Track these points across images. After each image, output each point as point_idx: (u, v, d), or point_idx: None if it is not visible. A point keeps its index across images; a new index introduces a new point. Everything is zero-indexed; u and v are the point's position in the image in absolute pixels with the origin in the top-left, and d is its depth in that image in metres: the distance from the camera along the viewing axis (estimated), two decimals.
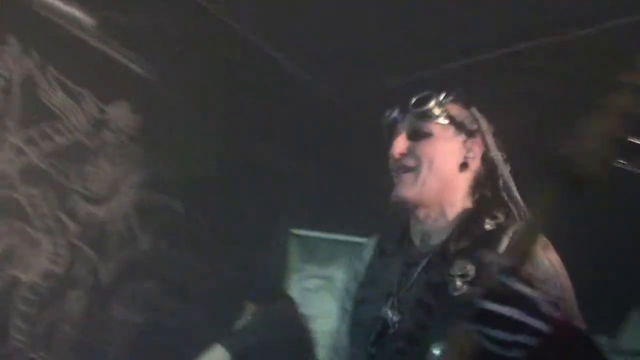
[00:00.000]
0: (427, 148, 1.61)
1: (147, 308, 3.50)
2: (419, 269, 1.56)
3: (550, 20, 2.77)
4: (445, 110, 1.64)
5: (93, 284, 3.40)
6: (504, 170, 1.64)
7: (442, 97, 1.63)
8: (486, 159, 1.65)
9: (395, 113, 1.71)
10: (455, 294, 1.42)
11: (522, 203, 1.59)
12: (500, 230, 1.51)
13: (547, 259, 1.44)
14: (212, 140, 3.71)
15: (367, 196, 3.05)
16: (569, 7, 2.65)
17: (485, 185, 1.65)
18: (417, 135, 1.63)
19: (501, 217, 1.56)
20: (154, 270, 3.54)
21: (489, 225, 1.54)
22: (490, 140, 1.65)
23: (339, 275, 3.50)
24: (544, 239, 1.43)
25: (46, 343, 3.23)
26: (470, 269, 1.42)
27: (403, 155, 1.62)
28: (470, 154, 1.63)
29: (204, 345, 2.82)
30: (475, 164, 1.64)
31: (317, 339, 3.14)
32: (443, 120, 1.63)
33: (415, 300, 1.50)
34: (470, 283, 1.40)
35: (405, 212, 1.69)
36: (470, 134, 1.64)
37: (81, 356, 3.25)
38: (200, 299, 3.46)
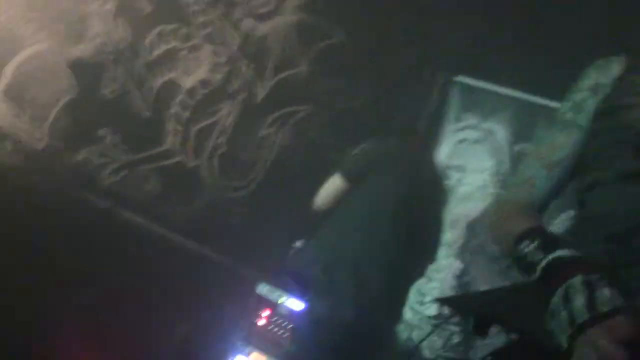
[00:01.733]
0: None
1: (295, 132, 3.45)
2: None
3: None
4: None
5: (246, 98, 3.39)
6: None
7: None
8: None
9: None
10: None
11: None
12: None
13: None
14: None
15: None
16: None
17: None
18: None
19: None
20: (307, 95, 3.45)
21: None
22: None
23: (501, 131, 3.24)
24: None
25: (196, 148, 3.33)
26: None
27: None
28: None
29: None
30: None
31: (454, 190, 3.01)
32: None
33: None
34: None
35: None
36: None
37: (226, 166, 3.32)
38: (348, 130, 3.35)
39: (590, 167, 1.49)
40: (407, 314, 3.03)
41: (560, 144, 1.58)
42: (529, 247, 1.30)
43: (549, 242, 1.29)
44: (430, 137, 3.25)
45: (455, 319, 2.94)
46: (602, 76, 1.58)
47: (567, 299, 1.13)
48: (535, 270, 1.26)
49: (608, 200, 1.40)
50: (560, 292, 1.15)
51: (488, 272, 3.01)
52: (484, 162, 3.22)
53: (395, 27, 3.43)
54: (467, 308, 1.58)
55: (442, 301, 2.21)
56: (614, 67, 1.58)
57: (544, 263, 1.24)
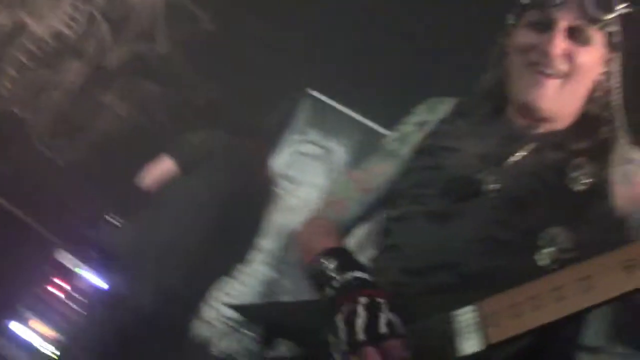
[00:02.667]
0: (585, 57, 1.45)
1: (139, 107, 3.35)
2: (528, 148, 1.47)
3: None
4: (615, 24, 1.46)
5: (98, 64, 3.26)
6: (617, 87, 1.52)
7: (622, 7, 1.44)
8: (608, 77, 1.52)
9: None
10: (575, 188, 1.40)
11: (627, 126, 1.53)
12: (613, 139, 1.46)
13: None
14: None
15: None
16: None
17: (601, 96, 1.52)
18: (579, 37, 1.44)
19: (609, 128, 1.50)
20: (161, 75, 3.36)
21: (603, 132, 1.49)
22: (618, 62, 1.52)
23: (341, 152, 3.30)
24: None
25: (32, 102, 3.15)
26: (592, 171, 1.40)
27: (559, 55, 1.43)
28: (604, 70, 1.50)
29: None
30: (599, 78, 1.51)
31: (283, 200, 3.01)
32: (607, 31, 1.45)
33: (527, 174, 1.44)
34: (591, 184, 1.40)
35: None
36: (613, 49, 1.49)
37: (57, 125, 3.16)
38: (195, 118, 3.29)
39: (402, 200, 1.53)
40: (207, 311, 2.98)
41: (379, 171, 1.60)
42: (327, 266, 1.33)
43: (347, 264, 1.33)
44: (272, 143, 3.24)
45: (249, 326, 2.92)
46: (430, 114, 1.64)
47: (349, 319, 1.17)
48: (330, 287, 1.28)
49: (412, 235, 1.44)
50: (344, 310, 1.19)
51: (299, 288, 3.02)
52: (318, 178, 3.26)
53: (267, 28, 3.43)
54: (256, 317, 1.59)
55: (231, 307, 2.16)
56: (442, 108, 1.64)
57: (337, 283, 1.27)
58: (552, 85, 1.43)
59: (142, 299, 2.62)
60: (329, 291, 1.27)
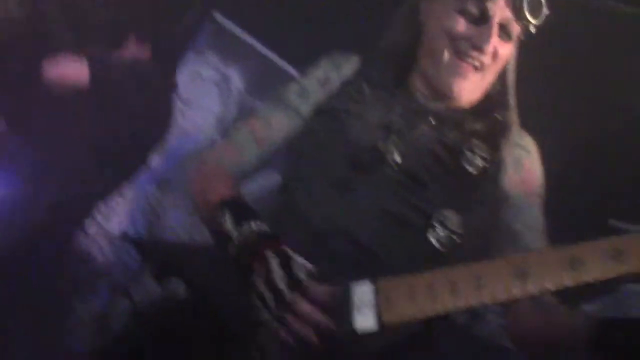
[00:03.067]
0: (505, 51, 1.56)
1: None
2: (429, 123, 1.54)
3: None
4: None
5: None
6: (512, 75, 1.66)
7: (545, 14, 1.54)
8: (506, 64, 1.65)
9: None
10: (470, 169, 1.47)
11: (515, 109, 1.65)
12: (507, 122, 1.59)
13: None
14: None
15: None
16: None
17: (497, 82, 1.64)
18: (504, 34, 1.54)
19: (504, 113, 1.61)
20: None
21: (497, 116, 1.59)
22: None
23: (237, 80, 3.29)
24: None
25: None
26: (486, 153, 1.49)
27: (489, 53, 1.53)
28: (510, 60, 1.63)
29: None
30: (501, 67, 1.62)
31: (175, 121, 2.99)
32: (527, 31, 1.57)
33: (426, 150, 1.49)
34: (483, 167, 1.48)
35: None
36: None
37: None
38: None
39: (302, 160, 1.57)
40: (91, 227, 2.96)
41: (276, 124, 1.62)
42: (224, 219, 1.34)
43: (243, 214, 1.35)
44: (171, 61, 3.15)
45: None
46: (333, 71, 1.66)
47: (268, 279, 1.21)
48: (230, 240, 1.31)
49: (311, 197, 1.48)
50: (258, 271, 1.23)
51: (181, 211, 3.05)
52: (213, 105, 3.23)
53: None
54: (151, 253, 1.60)
55: (131, 241, 2.16)
56: (347, 66, 1.66)
57: (237, 240, 1.30)
58: (474, 77, 1.53)
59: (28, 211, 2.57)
60: (230, 249, 1.31)
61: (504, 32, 1.52)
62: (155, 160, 3.05)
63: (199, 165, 1.63)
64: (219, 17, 3.24)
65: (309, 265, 1.24)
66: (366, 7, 2.85)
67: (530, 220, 1.50)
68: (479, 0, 1.48)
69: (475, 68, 1.52)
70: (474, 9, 1.49)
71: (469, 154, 1.49)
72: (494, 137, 1.56)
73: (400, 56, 1.64)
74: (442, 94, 1.56)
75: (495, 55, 1.52)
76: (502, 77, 1.62)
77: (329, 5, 3.05)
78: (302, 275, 1.21)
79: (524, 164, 1.59)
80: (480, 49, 1.49)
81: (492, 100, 1.62)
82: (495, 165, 1.52)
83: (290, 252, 1.24)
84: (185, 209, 3.01)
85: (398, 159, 1.47)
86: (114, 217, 3.01)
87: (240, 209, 1.37)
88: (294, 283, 1.19)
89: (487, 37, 1.47)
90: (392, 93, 1.59)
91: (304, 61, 1.76)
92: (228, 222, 1.33)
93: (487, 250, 1.47)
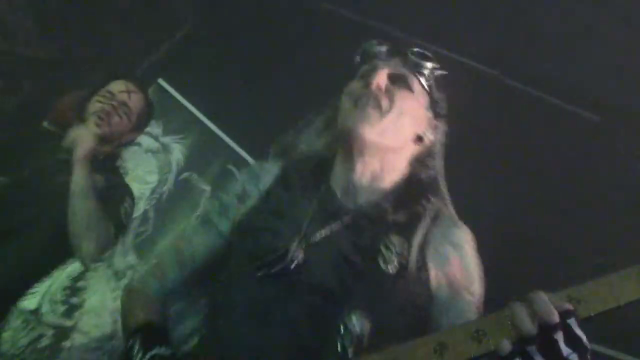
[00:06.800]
0: (403, 99, 1.57)
1: None
2: (342, 223, 1.50)
3: None
4: (433, 79, 1.64)
5: None
6: (440, 162, 1.67)
7: (437, 66, 1.64)
8: (432, 146, 1.66)
9: (383, 48, 1.67)
10: (388, 269, 1.42)
11: (448, 198, 1.63)
12: (429, 215, 1.53)
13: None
14: None
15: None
16: None
17: (423, 169, 1.63)
18: (400, 82, 1.60)
19: (430, 204, 1.56)
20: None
21: (422, 207, 1.54)
22: (443, 133, 1.68)
23: (177, 152, 3.15)
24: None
25: None
26: (406, 250, 1.43)
27: (380, 90, 1.55)
28: (429, 133, 1.63)
29: None
30: (426, 144, 1.64)
31: None
32: (426, 85, 1.63)
33: (338, 254, 1.45)
34: (401, 264, 1.43)
35: (327, 153, 1.65)
36: (436, 115, 1.65)
37: None
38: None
39: (223, 277, 1.55)
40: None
41: (197, 242, 1.62)
42: (134, 343, 1.37)
43: (151, 340, 1.38)
44: None
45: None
46: (251, 185, 1.65)
47: None
48: None
49: (229, 324, 1.44)
50: None
51: (109, 289, 2.85)
52: (149, 174, 3.08)
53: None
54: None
55: None
56: (266, 177, 1.65)
57: None
58: (373, 115, 1.52)
59: None
60: None
61: (397, 80, 1.59)
62: None
63: (126, 295, 1.64)
64: (163, 83, 3.14)
65: None
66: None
67: (456, 315, 1.43)
68: (370, 62, 1.64)
69: (373, 107, 1.53)
70: (365, 69, 1.63)
71: (385, 252, 1.44)
72: (412, 231, 1.50)
73: (319, 159, 1.67)
74: (351, 137, 1.54)
75: (390, 97, 1.54)
76: (430, 161, 1.64)
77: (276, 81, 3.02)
78: None
79: (451, 260, 1.49)
80: (368, 88, 1.55)
81: (421, 184, 1.62)
82: (417, 263, 1.43)
83: None
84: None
85: (300, 258, 1.43)
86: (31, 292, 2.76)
87: (151, 334, 1.41)
88: None
89: (374, 79, 1.55)
90: (310, 197, 1.57)
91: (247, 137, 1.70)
92: (135, 348, 1.37)
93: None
